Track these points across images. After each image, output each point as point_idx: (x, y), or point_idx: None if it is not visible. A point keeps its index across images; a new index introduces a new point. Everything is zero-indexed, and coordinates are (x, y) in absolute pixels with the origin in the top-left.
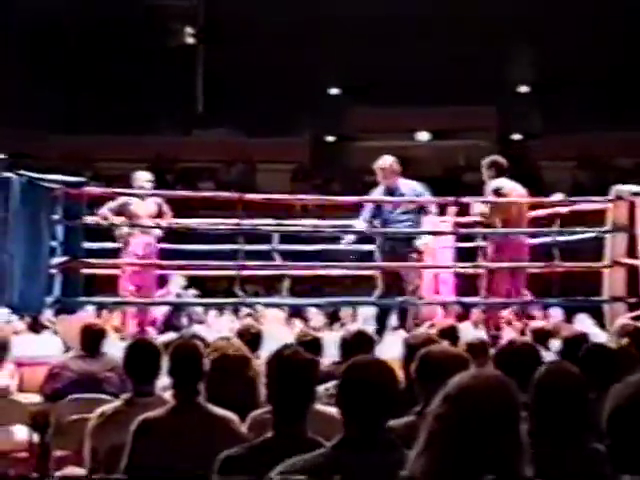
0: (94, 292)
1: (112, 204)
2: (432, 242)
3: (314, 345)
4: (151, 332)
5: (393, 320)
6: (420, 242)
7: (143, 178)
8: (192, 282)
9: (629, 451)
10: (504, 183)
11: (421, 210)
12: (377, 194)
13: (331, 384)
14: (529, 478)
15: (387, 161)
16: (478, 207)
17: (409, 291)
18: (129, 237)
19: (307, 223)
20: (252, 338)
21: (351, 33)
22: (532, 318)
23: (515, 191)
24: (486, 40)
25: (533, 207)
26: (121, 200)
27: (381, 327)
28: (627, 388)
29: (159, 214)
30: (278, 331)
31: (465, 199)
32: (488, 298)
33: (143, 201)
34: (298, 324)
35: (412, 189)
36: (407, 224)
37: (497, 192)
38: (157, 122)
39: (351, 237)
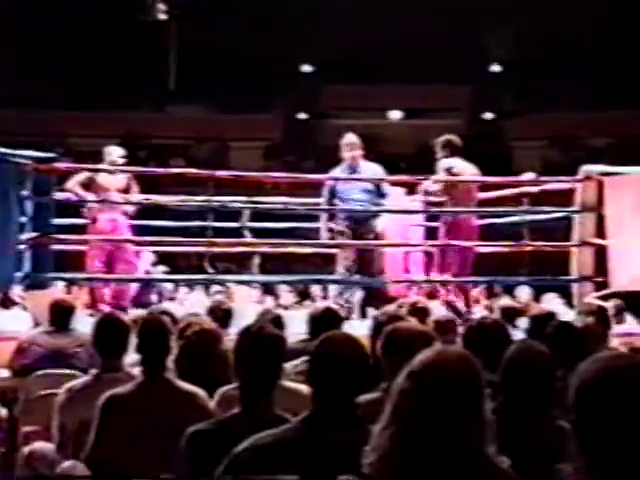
0: (64, 268)
1: (79, 177)
2: (399, 221)
3: (277, 323)
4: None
5: (359, 298)
6: (378, 223)
7: (115, 153)
8: (162, 259)
9: (593, 427)
10: (456, 163)
11: (379, 191)
12: (337, 173)
13: (299, 361)
14: (492, 456)
15: (353, 138)
16: (427, 186)
17: (370, 271)
18: (97, 212)
19: (278, 201)
20: (223, 315)
21: (324, 10)
22: (496, 296)
23: (466, 171)
24: (459, 19)
25: (489, 187)
26: (88, 173)
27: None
28: (593, 364)
29: (127, 189)
30: (248, 309)
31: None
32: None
33: (112, 176)
34: (269, 302)
35: (373, 171)
36: (365, 205)
37: (448, 171)
38: (129, 98)
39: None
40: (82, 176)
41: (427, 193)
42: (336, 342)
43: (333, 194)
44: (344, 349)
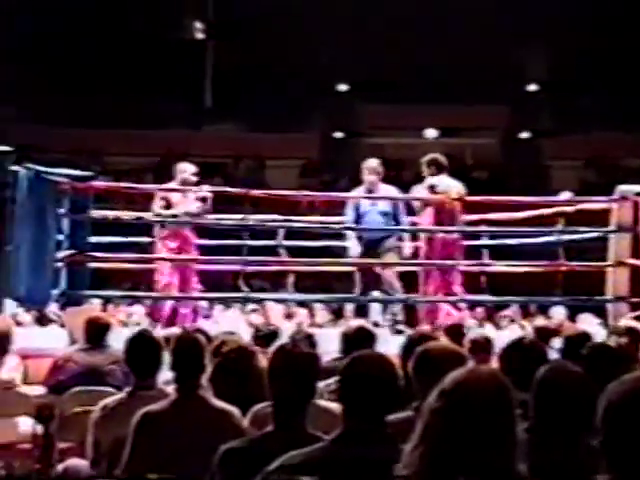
0: (103, 285)
1: (159, 201)
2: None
3: (309, 341)
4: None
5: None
6: (390, 244)
7: (189, 171)
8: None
9: (621, 447)
10: (440, 181)
11: (395, 216)
12: (356, 194)
13: (332, 380)
14: (522, 475)
15: (374, 163)
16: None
17: (386, 290)
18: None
19: (314, 219)
20: (267, 334)
21: (359, 29)
22: (531, 316)
23: (451, 189)
24: (496, 39)
25: (525, 207)
26: (163, 194)
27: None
28: (621, 385)
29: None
30: (283, 327)
31: (468, 197)
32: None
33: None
34: (304, 320)
35: (391, 195)
36: (382, 225)
37: (432, 189)
38: (166, 117)
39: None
40: (159, 199)
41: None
42: (365, 361)
43: (358, 214)
44: (373, 368)
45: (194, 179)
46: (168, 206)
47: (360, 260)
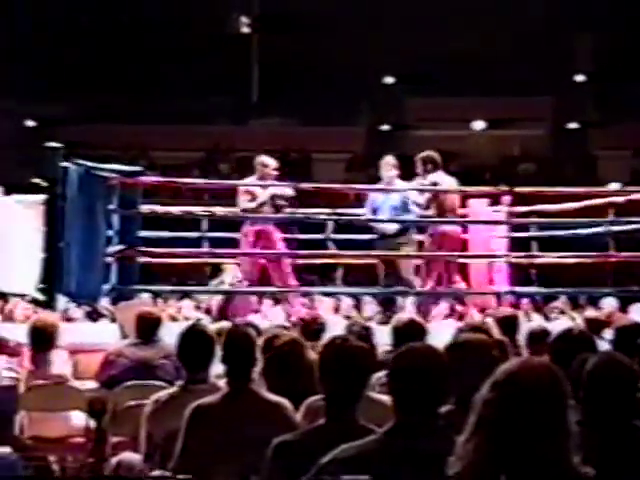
0: (149, 280)
1: (262, 196)
2: (483, 232)
3: (364, 334)
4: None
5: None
6: (403, 239)
7: (271, 164)
8: None
9: None
10: (440, 178)
11: (405, 207)
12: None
13: (383, 373)
14: (576, 467)
15: (391, 160)
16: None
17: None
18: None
19: (361, 212)
20: (315, 328)
21: (406, 21)
22: (581, 307)
23: (449, 186)
24: (543, 29)
25: (574, 198)
26: (253, 189)
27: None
28: None
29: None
30: (333, 320)
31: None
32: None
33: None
34: (353, 313)
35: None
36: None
37: (434, 186)
38: (213, 112)
39: None
40: (244, 194)
41: (417, 204)
42: (415, 354)
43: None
44: (420, 361)
45: (275, 174)
46: (253, 200)
47: (414, 252)
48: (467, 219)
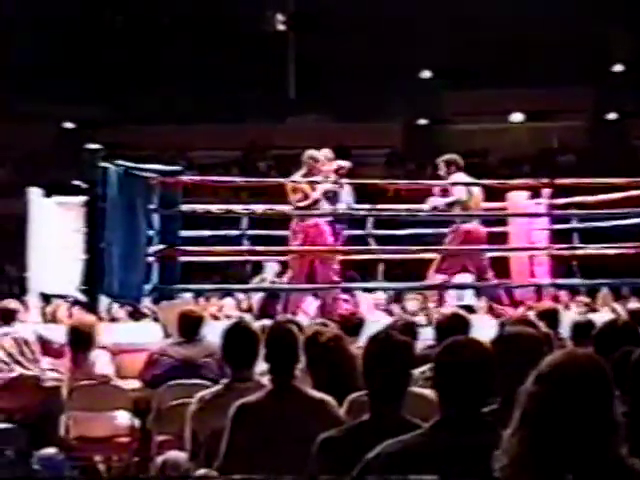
0: (190, 279)
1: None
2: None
3: (409, 329)
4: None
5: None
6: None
7: (322, 160)
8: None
9: None
10: (462, 179)
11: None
12: None
13: (427, 367)
14: (624, 458)
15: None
16: (433, 201)
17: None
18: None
19: (401, 207)
20: (354, 324)
21: (441, 15)
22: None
23: (474, 187)
24: (580, 20)
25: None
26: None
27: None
28: None
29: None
30: (374, 316)
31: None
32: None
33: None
34: (395, 309)
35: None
36: None
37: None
38: (250, 110)
39: None
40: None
41: (435, 208)
42: (459, 348)
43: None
44: (465, 355)
45: (323, 170)
46: (305, 197)
47: (450, 247)
48: (508, 212)
